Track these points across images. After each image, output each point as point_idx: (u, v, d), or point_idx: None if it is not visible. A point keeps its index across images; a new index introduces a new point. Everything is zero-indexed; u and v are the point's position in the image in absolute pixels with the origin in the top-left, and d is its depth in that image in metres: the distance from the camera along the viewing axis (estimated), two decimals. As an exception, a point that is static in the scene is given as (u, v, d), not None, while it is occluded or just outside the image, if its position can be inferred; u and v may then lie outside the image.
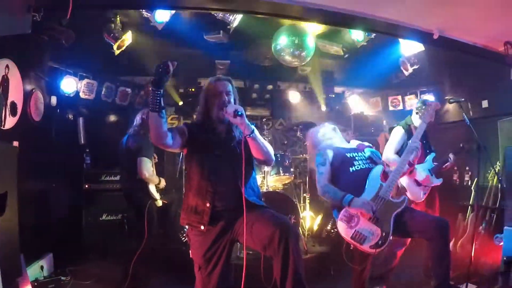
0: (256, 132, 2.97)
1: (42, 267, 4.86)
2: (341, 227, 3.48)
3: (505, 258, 2.73)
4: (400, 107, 7.46)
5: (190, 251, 3.03)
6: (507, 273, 2.72)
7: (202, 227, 2.87)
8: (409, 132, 4.61)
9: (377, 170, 3.60)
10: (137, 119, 4.79)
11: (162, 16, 4.82)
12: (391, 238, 3.34)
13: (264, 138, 3.36)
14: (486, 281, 4.52)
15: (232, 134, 3.06)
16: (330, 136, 4.05)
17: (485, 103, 5.92)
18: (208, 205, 2.87)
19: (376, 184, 3.51)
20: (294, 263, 2.67)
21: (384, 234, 3.31)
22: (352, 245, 3.47)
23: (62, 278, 4.88)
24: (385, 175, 3.62)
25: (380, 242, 3.30)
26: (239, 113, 2.81)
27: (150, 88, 2.70)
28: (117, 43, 5.17)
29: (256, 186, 3.17)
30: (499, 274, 3.96)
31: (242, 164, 2.90)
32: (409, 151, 3.59)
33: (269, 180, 5.80)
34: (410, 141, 3.88)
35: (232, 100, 3.06)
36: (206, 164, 2.94)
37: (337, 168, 3.71)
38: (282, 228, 2.71)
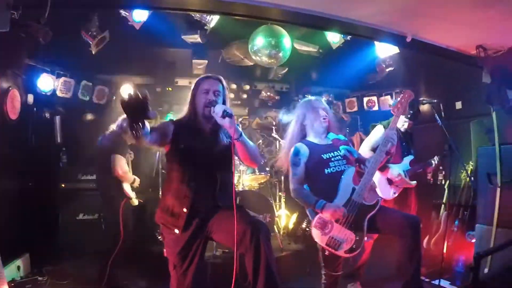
0: (244, 135, 2.97)
1: (18, 267, 4.84)
2: (316, 234, 3.48)
3: (475, 255, 2.81)
4: (376, 108, 7.59)
5: (164, 250, 3.04)
6: (477, 269, 2.80)
7: (177, 231, 2.89)
8: None
9: (349, 173, 3.59)
10: (118, 122, 4.75)
11: (139, 15, 4.80)
12: (365, 240, 3.40)
13: None
14: (459, 277, 4.64)
15: (217, 136, 3.04)
16: (313, 123, 3.82)
17: (458, 105, 6.08)
18: (185, 210, 2.87)
19: (348, 187, 3.51)
20: (266, 260, 2.70)
21: (358, 238, 3.35)
22: (327, 251, 3.49)
23: (39, 278, 4.86)
24: (359, 173, 3.66)
25: (354, 246, 3.35)
26: (227, 113, 2.78)
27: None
28: (95, 42, 5.14)
29: (232, 186, 3.16)
30: (469, 269, 4.07)
31: (224, 168, 2.93)
32: (384, 142, 3.54)
33: (244, 179, 5.85)
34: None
35: (220, 100, 3.04)
36: (187, 169, 2.93)
37: (312, 169, 3.68)
38: (253, 225, 2.75)
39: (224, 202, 2.91)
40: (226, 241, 2.87)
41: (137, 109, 2.29)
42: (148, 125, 2.55)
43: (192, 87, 3.15)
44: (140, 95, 2.26)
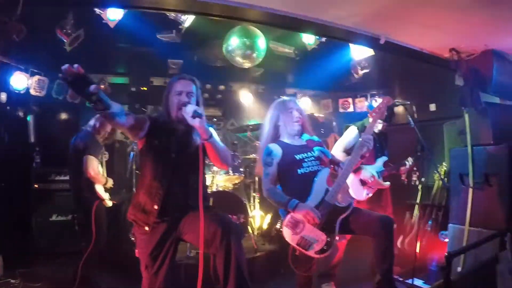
0: (215, 136, 2.97)
1: (-10, 270, 4.72)
2: (287, 233, 3.46)
3: (446, 254, 2.85)
4: (351, 109, 7.68)
5: (135, 251, 3.02)
6: (448, 268, 2.84)
7: (147, 228, 2.87)
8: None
9: (323, 174, 3.58)
10: (91, 122, 4.71)
11: (114, 14, 4.76)
12: (336, 241, 3.39)
13: None
14: (433, 276, 4.70)
15: (190, 137, 3.02)
16: (286, 123, 3.80)
17: (432, 107, 6.19)
18: (156, 207, 2.85)
19: (322, 188, 3.50)
20: (236, 260, 2.70)
21: (329, 239, 3.35)
22: (297, 251, 3.47)
23: (12, 281, 4.76)
24: (332, 174, 3.67)
25: (325, 247, 3.33)
26: (198, 113, 2.77)
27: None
28: (69, 40, 5.08)
29: (206, 186, 3.20)
30: (441, 269, 4.13)
31: (196, 169, 2.90)
32: (360, 145, 3.57)
33: (218, 179, 5.83)
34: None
35: (193, 101, 3.02)
36: (160, 165, 2.92)
37: (284, 169, 3.66)
38: (224, 225, 2.75)
39: (195, 201, 2.88)
40: (197, 242, 2.82)
41: (77, 80, 2.26)
42: (118, 106, 2.59)
43: (166, 88, 3.13)
44: (73, 68, 2.23)
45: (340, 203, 3.46)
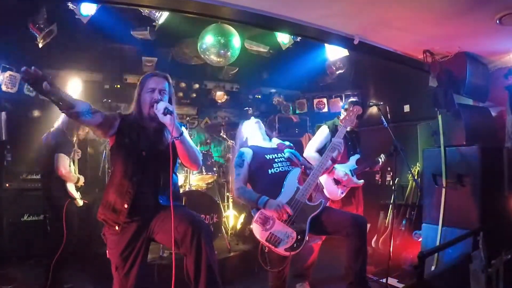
0: (186, 135, 2.94)
1: (-39, 273, 4.61)
2: (256, 229, 3.47)
3: (419, 254, 2.87)
4: (325, 110, 7.71)
5: (107, 251, 2.96)
6: (421, 267, 2.86)
7: (117, 228, 2.83)
8: (334, 132, 4.69)
9: (294, 173, 3.62)
10: (61, 117, 4.64)
11: (87, 9, 4.67)
12: (306, 239, 3.39)
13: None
14: (407, 275, 4.75)
15: (162, 135, 2.99)
16: (252, 131, 4.07)
17: (407, 108, 6.26)
18: (126, 206, 2.81)
19: (293, 187, 3.53)
20: (207, 260, 2.69)
21: (299, 237, 3.36)
22: (267, 248, 3.47)
23: (-17, 283, 4.64)
24: (303, 176, 3.68)
25: (295, 245, 3.35)
26: (168, 110, 2.76)
27: None
28: (42, 35, 4.97)
29: (177, 187, 3.15)
30: (414, 268, 4.17)
31: (166, 167, 2.87)
32: (331, 148, 3.62)
33: (192, 179, 5.78)
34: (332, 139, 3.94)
35: (166, 98, 2.99)
36: (130, 163, 2.87)
37: (255, 170, 3.72)
38: (194, 225, 2.73)
39: (166, 201, 2.87)
40: (168, 242, 2.81)
41: (37, 81, 2.28)
42: (85, 104, 2.65)
43: (138, 85, 3.09)
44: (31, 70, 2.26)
45: (310, 202, 3.49)
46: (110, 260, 2.92)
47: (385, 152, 4.92)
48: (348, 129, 4.76)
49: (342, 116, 4.83)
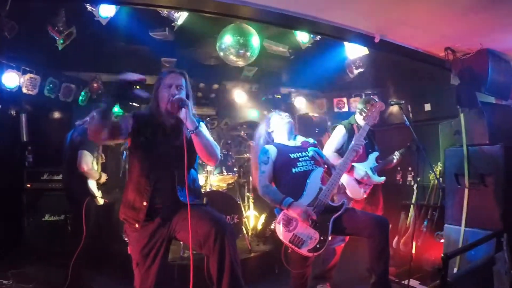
0: (203, 128, 2.96)
1: (-18, 271, 4.69)
2: (280, 230, 3.48)
3: (443, 255, 2.83)
4: (345, 109, 7.64)
5: (128, 248, 2.99)
6: (445, 269, 2.82)
7: (137, 225, 2.85)
8: (351, 131, 4.67)
9: (318, 172, 3.61)
10: (90, 116, 4.68)
11: (106, 11, 4.71)
12: (329, 239, 3.38)
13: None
14: (429, 277, 4.69)
15: (179, 131, 2.99)
16: (279, 127, 4.00)
17: (427, 106, 6.16)
18: (145, 203, 2.83)
19: (316, 187, 3.52)
20: (231, 261, 2.68)
21: (322, 238, 3.35)
22: (290, 249, 3.49)
23: (4, 281, 4.71)
24: (326, 175, 3.66)
25: (318, 246, 3.35)
26: (182, 104, 2.78)
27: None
28: (61, 37, 5.02)
29: (196, 184, 3.14)
30: (437, 270, 4.11)
31: (184, 163, 2.85)
32: (351, 150, 3.62)
33: (212, 179, 5.79)
34: (352, 140, 3.89)
35: (183, 94, 3.01)
36: (147, 161, 2.89)
37: (279, 168, 3.71)
38: (217, 226, 2.73)
39: (186, 197, 2.86)
40: (191, 242, 2.82)
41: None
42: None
43: (156, 82, 3.12)
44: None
45: (333, 202, 3.47)
46: (132, 257, 2.96)
47: (400, 150, 4.86)
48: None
49: (358, 115, 4.79)
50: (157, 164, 2.89)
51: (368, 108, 4.09)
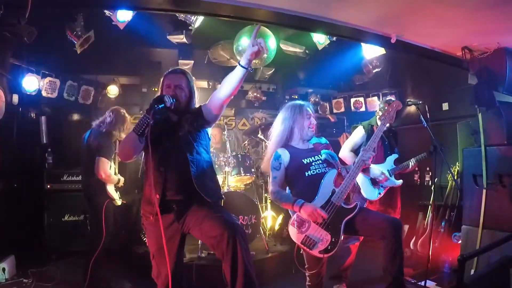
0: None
1: (4, 269, 4.79)
2: (292, 231, 3.53)
3: (459, 257, 2.80)
4: (363, 109, 7.58)
5: (146, 240, 3.09)
6: (461, 271, 2.79)
7: (151, 218, 2.95)
8: (370, 132, 4.65)
9: (331, 175, 3.60)
10: (108, 116, 4.72)
11: (123, 15, 4.76)
12: (340, 242, 3.39)
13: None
14: (446, 278, 4.66)
15: (181, 127, 3.07)
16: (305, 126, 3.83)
17: (445, 106, 6.09)
18: (157, 196, 2.90)
19: (328, 189, 3.52)
20: (244, 263, 2.72)
21: (333, 239, 3.37)
22: (302, 250, 3.53)
23: (24, 280, 4.81)
24: (339, 177, 3.65)
25: (329, 247, 3.36)
26: (169, 99, 2.88)
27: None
28: (79, 41, 5.10)
29: (211, 179, 3.18)
30: (454, 272, 4.08)
31: (191, 155, 2.99)
32: (360, 161, 3.58)
33: (230, 180, 5.80)
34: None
35: (183, 94, 3.10)
36: (157, 155, 2.97)
37: (292, 173, 3.70)
38: (229, 229, 2.77)
39: (201, 188, 2.95)
40: (203, 238, 2.99)
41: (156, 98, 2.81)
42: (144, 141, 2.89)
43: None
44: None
45: (346, 205, 3.47)
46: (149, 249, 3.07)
47: (417, 156, 4.81)
48: (384, 128, 4.70)
49: (378, 116, 4.77)
50: (166, 157, 2.97)
51: (385, 108, 4.06)
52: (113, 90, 6.95)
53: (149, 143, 2.79)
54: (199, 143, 3.09)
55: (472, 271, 4.10)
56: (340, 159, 3.96)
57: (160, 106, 2.78)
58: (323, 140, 3.97)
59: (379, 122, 4.73)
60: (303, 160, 3.69)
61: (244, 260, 2.72)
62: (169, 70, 3.22)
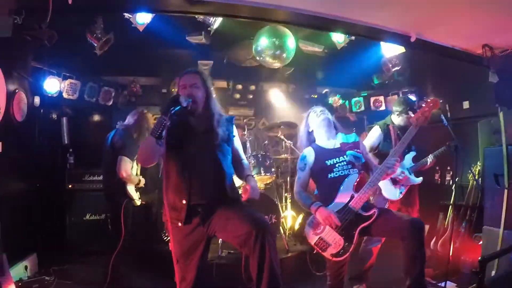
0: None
1: (26, 267, 4.86)
2: (308, 232, 3.59)
3: (480, 258, 2.77)
4: (382, 108, 7.49)
5: (169, 244, 3.09)
6: (482, 273, 2.76)
7: (180, 224, 2.92)
8: (386, 132, 4.64)
9: (352, 178, 3.60)
10: (130, 118, 4.78)
11: (143, 18, 4.82)
12: (352, 248, 3.42)
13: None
14: (466, 279, 4.60)
15: (209, 128, 3.05)
16: (317, 127, 3.92)
17: (466, 104, 6.00)
18: (184, 202, 2.89)
19: (347, 194, 3.54)
20: (270, 262, 2.70)
21: (346, 244, 3.40)
22: (315, 250, 3.58)
23: (46, 278, 4.88)
24: (361, 182, 3.64)
25: (341, 252, 3.41)
26: (186, 100, 2.87)
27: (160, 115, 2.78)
28: (99, 44, 5.16)
29: (232, 181, 3.17)
30: (475, 273, 4.04)
31: (216, 160, 2.97)
32: (384, 167, 3.57)
33: (250, 179, 5.81)
34: (391, 149, 3.89)
35: (200, 93, 3.07)
36: (181, 160, 2.94)
37: (316, 174, 3.77)
38: (258, 226, 2.74)
39: (221, 194, 2.97)
40: (231, 240, 2.95)
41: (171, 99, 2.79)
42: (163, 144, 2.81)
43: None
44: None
45: (364, 211, 3.47)
46: (172, 253, 3.00)
47: (435, 152, 4.76)
48: (402, 124, 4.66)
49: (394, 116, 4.73)
50: (192, 162, 2.95)
51: (420, 106, 3.92)
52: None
53: (165, 144, 2.76)
54: (225, 147, 3.08)
55: (493, 273, 4.05)
56: (368, 159, 3.93)
57: (176, 108, 2.76)
58: (352, 137, 3.96)
59: (394, 120, 4.71)
60: (326, 161, 3.72)
61: (271, 258, 2.71)
62: (184, 71, 3.20)
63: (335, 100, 7.88)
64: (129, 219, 4.66)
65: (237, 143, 3.30)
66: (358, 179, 3.60)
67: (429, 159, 4.73)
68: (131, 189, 4.68)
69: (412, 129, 3.67)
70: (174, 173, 2.95)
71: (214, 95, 3.22)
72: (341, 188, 3.57)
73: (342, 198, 3.54)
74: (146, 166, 3.06)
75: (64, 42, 4.62)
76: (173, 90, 7.07)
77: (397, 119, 4.70)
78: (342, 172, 3.66)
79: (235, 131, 3.26)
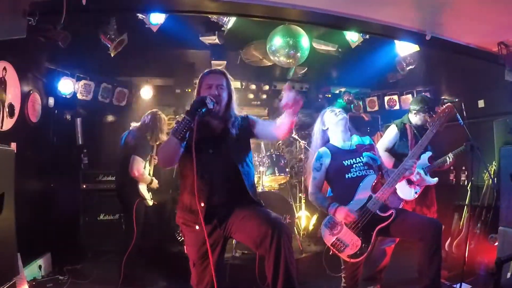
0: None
1: (40, 267, 4.91)
2: (324, 232, 3.56)
3: (497, 260, 2.73)
4: (397, 107, 7.44)
5: (185, 247, 3.06)
6: (498, 274, 2.72)
7: (197, 227, 2.88)
8: (403, 131, 4.62)
9: (370, 179, 3.59)
10: (146, 118, 4.81)
11: (156, 18, 4.83)
12: (370, 249, 3.40)
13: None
14: (481, 281, 4.55)
15: (225, 129, 3.01)
16: (333, 126, 3.92)
17: (481, 103, 5.93)
18: (202, 204, 2.85)
19: (365, 194, 3.52)
20: (286, 262, 2.67)
21: (363, 245, 3.38)
22: (331, 251, 3.56)
23: (60, 277, 4.92)
24: (381, 180, 3.62)
25: (358, 252, 3.38)
26: (211, 100, 2.80)
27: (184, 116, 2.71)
28: (113, 45, 5.19)
29: (251, 183, 3.12)
30: (491, 275, 3.99)
31: (235, 162, 2.93)
32: (402, 169, 3.57)
33: (264, 180, 5.83)
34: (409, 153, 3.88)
35: (225, 94, 3.02)
36: (199, 162, 2.84)
37: (333, 174, 3.74)
38: (274, 227, 2.70)
39: (239, 196, 2.93)
40: (247, 241, 2.88)
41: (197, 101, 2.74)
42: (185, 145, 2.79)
43: (197, 83, 3.15)
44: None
45: (382, 212, 3.45)
46: (188, 257, 3.02)
47: (454, 151, 4.71)
48: (419, 123, 4.62)
49: (411, 115, 4.70)
50: (210, 164, 2.90)
51: (436, 111, 3.96)
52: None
53: (193, 148, 2.69)
54: (246, 150, 3.06)
55: (509, 274, 3.99)
56: (382, 162, 3.91)
57: (203, 110, 2.71)
58: (367, 140, 3.96)
59: (412, 120, 4.68)
60: (343, 162, 3.71)
61: (287, 258, 2.68)
62: (207, 70, 3.14)
63: (347, 96, 7.83)
64: (141, 218, 4.67)
65: (260, 121, 3.22)
66: (376, 180, 3.59)
67: (449, 158, 4.69)
68: (143, 188, 4.70)
69: (429, 133, 3.70)
70: (190, 175, 2.87)
71: (234, 97, 3.17)
72: (359, 188, 3.55)
73: (360, 199, 3.52)
74: (167, 168, 3.01)
75: (78, 43, 4.66)
76: (187, 90, 7.09)
77: (414, 118, 4.67)
78: (359, 173, 3.64)
79: (252, 117, 3.20)
